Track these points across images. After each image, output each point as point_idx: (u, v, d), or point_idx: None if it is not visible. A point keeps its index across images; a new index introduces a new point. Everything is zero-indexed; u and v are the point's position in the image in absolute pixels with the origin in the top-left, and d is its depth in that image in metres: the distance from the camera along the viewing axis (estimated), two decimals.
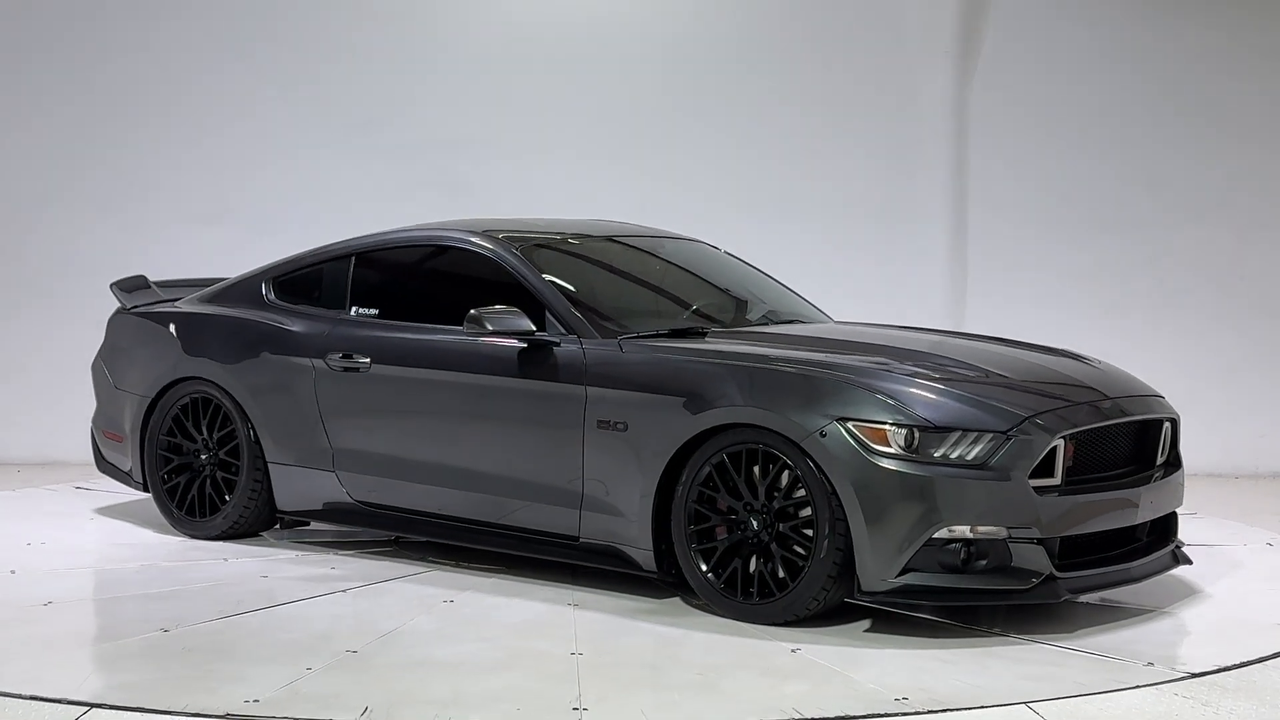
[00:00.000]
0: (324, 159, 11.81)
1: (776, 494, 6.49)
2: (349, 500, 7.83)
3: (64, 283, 11.68)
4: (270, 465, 8.02)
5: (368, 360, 7.70)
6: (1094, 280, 11.71)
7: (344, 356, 7.77)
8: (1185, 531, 8.17)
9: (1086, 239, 11.73)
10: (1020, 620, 6.54)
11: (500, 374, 7.26)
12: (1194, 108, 11.66)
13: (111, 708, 5.33)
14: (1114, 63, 11.70)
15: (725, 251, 8.70)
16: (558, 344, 7.14)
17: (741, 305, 8.17)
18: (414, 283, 8.08)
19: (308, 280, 8.22)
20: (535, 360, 7.18)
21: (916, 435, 6.26)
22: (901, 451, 6.26)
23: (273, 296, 8.28)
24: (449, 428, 7.45)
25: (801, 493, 6.41)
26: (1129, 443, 6.91)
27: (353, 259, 8.09)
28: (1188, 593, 7.16)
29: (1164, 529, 7.09)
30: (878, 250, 11.79)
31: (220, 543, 8.17)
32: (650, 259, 8.27)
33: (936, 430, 6.27)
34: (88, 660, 6.02)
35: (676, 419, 6.71)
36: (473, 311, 7.15)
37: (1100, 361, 7.46)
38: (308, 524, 8.25)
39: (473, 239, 7.70)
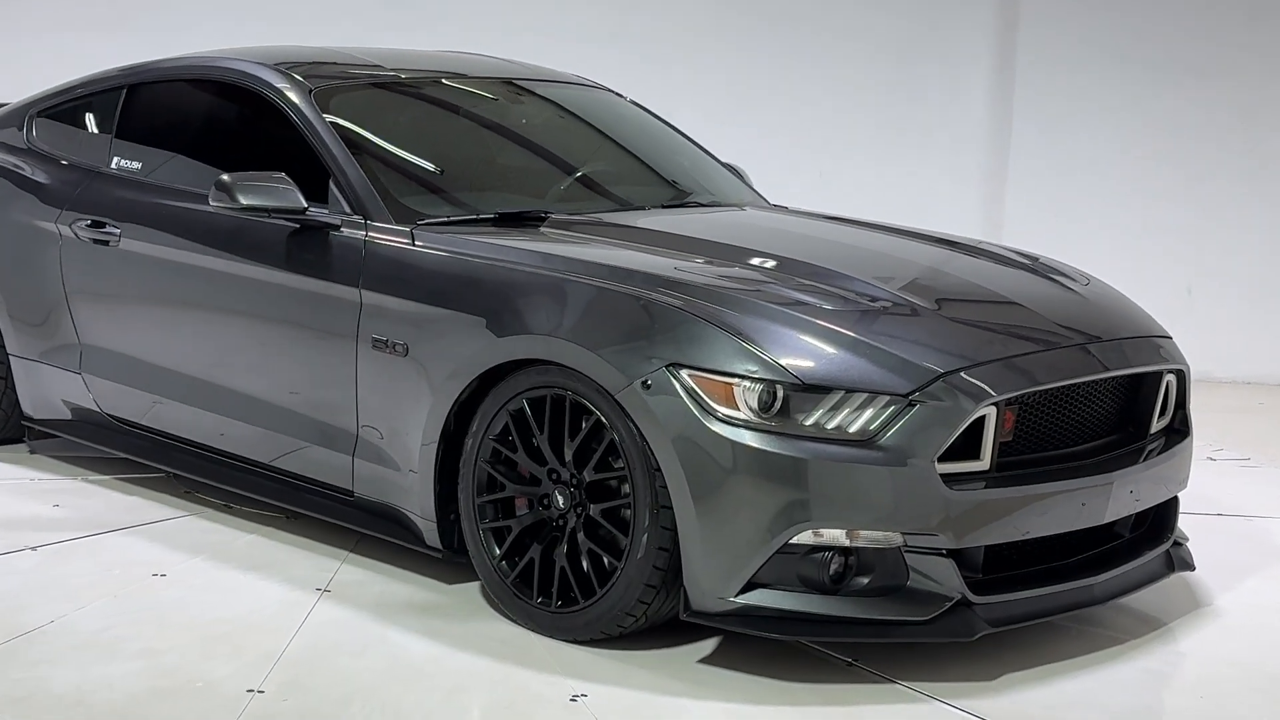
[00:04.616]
0: None
1: (591, 461, 4.58)
2: (98, 412, 6.02)
3: None
4: (11, 359, 6.21)
5: (118, 231, 5.82)
6: (1170, 136, 9.71)
7: (93, 224, 5.91)
8: (1226, 489, 6.64)
9: (1163, 87, 9.68)
10: (922, 657, 4.59)
11: (267, 263, 5.38)
12: None
13: None
14: None
15: (631, 101, 6.65)
16: (337, 227, 5.23)
17: (629, 181, 6.19)
18: (186, 130, 6.17)
19: (74, 117, 6.35)
20: (306, 248, 5.30)
21: (778, 394, 4.32)
22: (753, 417, 4.32)
23: (34, 135, 6.40)
24: (208, 331, 5.62)
25: (623, 464, 4.49)
26: (1111, 405, 4.92)
27: (124, 92, 6.18)
28: (1188, 607, 5.19)
29: (1158, 521, 5.07)
30: (908, 91, 9.84)
31: None
32: (515, 111, 6.26)
33: (806, 389, 4.31)
34: None
35: (471, 343, 4.83)
36: (224, 177, 5.26)
37: (1088, 281, 5.40)
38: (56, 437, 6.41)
39: (259, 74, 5.76)
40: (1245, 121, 9.64)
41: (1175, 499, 5.12)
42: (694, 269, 4.82)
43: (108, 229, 5.86)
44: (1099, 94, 9.70)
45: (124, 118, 6.13)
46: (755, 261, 5.03)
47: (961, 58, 9.73)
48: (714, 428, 4.31)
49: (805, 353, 4.38)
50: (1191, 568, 5.17)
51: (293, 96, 5.57)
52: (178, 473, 5.86)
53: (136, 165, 5.99)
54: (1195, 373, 5.44)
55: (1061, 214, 9.56)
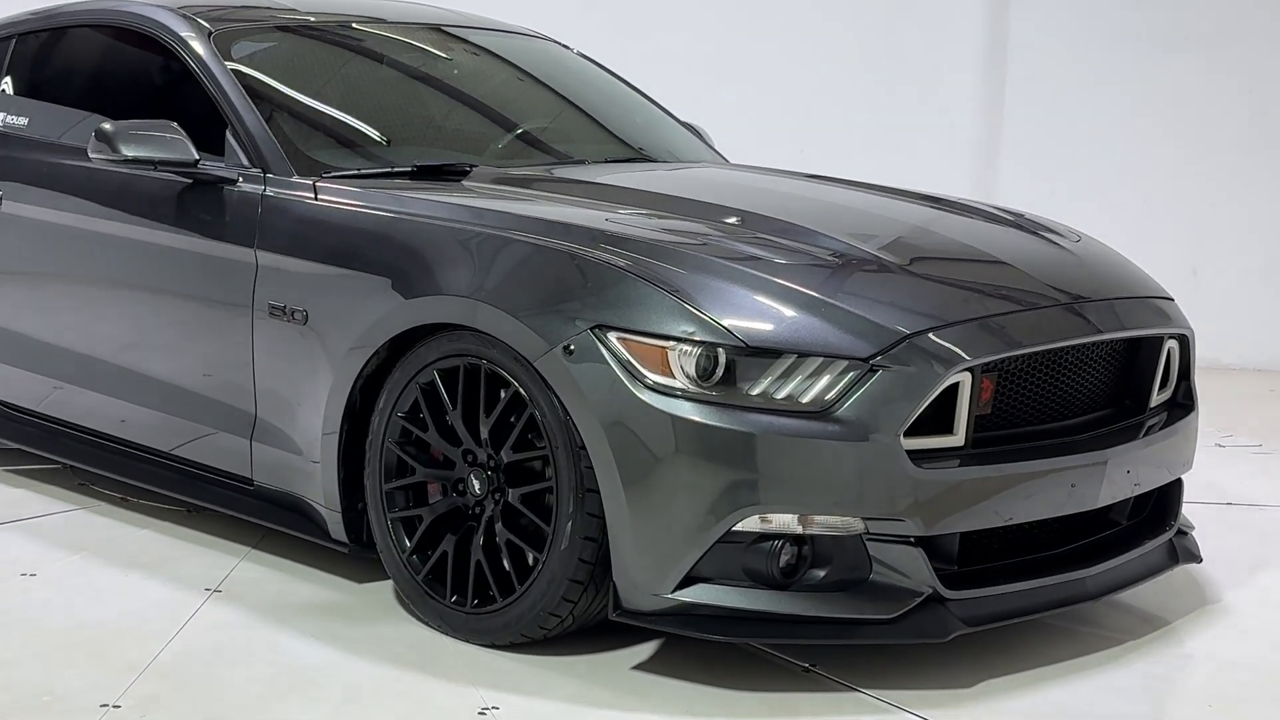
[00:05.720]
0: None
1: (509, 440, 4.03)
2: None
3: None
4: None
5: (0, 194, 5.26)
6: (1172, 107, 9.13)
7: None
8: (1236, 476, 6.08)
9: (1164, 55, 9.11)
10: (889, 662, 4.02)
11: (157, 223, 4.83)
12: None
13: None
14: None
15: (578, 53, 6.07)
16: (233, 181, 4.66)
17: (572, 137, 5.65)
18: (80, 81, 5.62)
19: None
20: (199, 206, 4.75)
21: (720, 359, 3.74)
22: (692, 385, 3.75)
23: None
24: (98, 304, 5.10)
25: (545, 443, 3.92)
26: (1105, 374, 4.36)
27: (12, 43, 5.62)
28: (1194, 604, 4.63)
29: (1159, 507, 4.51)
30: (896, 62, 9.24)
31: None
32: (443, 59, 5.69)
33: (752, 353, 3.75)
34: None
35: (377, 307, 4.26)
36: (104, 126, 4.71)
37: (1079, 238, 4.83)
38: None
39: (157, 17, 5.21)
40: (1252, 91, 9.10)
41: (1179, 482, 4.56)
42: (630, 221, 4.28)
43: None
44: (1096, 63, 9.15)
45: (13, 70, 5.59)
46: (708, 216, 4.45)
47: (952, 25, 9.19)
48: (646, 398, 3.75)
49: (752, 312, 3.81)
50: (1197, 560, 4.61)
51: (190, 40, 5.02)
52: (71, 463, 5.29)
53: (24, 121, 5.43)
54: (1202, 359, 4.90)
55: (1058, 190, 9.03)
